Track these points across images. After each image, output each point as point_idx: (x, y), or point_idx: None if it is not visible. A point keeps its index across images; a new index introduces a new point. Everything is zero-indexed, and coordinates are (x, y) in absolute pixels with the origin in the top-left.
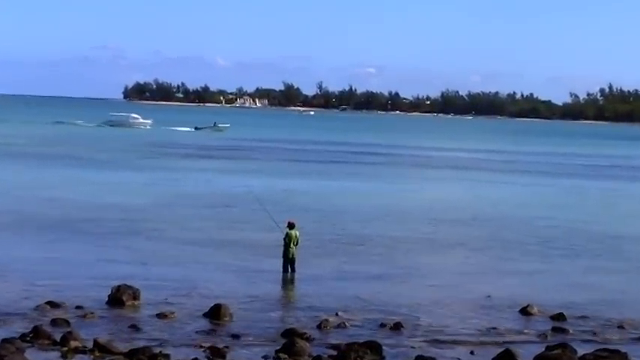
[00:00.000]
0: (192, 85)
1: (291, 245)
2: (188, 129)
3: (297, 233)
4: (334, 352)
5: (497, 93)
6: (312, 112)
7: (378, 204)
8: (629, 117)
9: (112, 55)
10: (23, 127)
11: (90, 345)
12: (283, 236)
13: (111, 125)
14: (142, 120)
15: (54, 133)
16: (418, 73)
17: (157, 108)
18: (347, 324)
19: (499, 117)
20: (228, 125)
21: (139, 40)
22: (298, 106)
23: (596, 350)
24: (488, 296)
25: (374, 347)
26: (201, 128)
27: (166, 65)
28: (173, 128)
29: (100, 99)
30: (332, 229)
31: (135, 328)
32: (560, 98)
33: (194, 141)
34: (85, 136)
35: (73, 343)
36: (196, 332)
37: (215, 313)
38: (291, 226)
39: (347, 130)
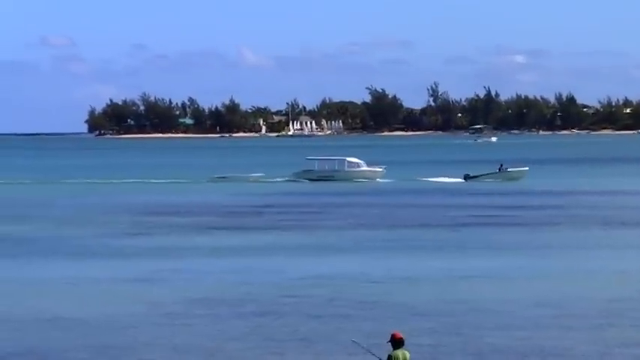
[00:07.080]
0: (207, 101)
1: None
2: (453, 179)
3: (409, 355)
4: None
5: None
6: (493, 139)
7: (543, 296)
8: None
9: (60, 56)
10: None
11: None
12: None
13: (311, 179)
14: (366, 168)
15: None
16: (606, 60)
17: (154, 145)
18: None
19: None
20: (526, 169)
21: (106, 29)
22: (394, 129)
23: None
24: None
25: None
26: (477, 177)
27: (156, 69)
28: (428, 179)
29: (43, 135)
30: (469, 344)
31: None
32: None
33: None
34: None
35: None
36: None
37: None
38: (397, 342)
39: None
